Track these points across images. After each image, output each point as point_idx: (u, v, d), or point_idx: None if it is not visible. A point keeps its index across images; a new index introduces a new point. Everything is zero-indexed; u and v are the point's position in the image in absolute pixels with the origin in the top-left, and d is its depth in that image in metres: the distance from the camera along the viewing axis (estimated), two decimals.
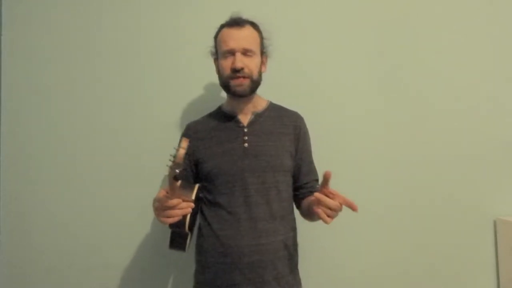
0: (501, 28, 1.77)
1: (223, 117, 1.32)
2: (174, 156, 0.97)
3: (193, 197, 1.11)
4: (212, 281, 1.20)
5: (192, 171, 1.31)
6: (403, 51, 1.73)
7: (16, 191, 1.60)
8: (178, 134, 1.37)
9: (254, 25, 1.28)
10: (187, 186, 1.18)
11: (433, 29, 1.75)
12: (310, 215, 1.26)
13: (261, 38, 1.29)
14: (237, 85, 1.22)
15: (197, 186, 1.17)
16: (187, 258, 1.55)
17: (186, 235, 1.16)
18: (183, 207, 1.02)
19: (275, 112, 1.35)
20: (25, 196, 1.60)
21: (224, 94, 1.35)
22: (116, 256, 1.60)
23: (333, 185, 1.63)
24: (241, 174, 1.22)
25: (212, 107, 1.42)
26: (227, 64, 1.22)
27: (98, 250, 1.60)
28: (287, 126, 1.32)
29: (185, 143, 0.98)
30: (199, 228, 1.29)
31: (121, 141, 1.63)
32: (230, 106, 1.32)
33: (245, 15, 1.31)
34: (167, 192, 1.03)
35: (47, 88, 1.63)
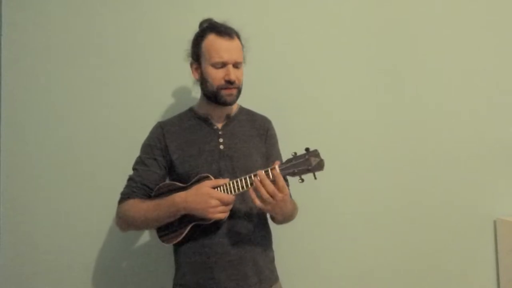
0: (500, 28, 1.77)
1: (196, 119, 1.33)
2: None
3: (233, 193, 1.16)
4: (193, 281, 1.21)
5: (165, 171, 1.29)
6: (401, 52, 1.73)
7: (16, 191, 1.60)
8: None
9: (238, 35, 1.29)
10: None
11: (432, 30, 1.75)
12: (276, 219, 1.30)
13: (243, 47, 1.30)
14: (228, 95, 1.25)
15: (277, 165, 1.16)
16: None
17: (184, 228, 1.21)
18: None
19: (246, 115, 1.39)
20: (25, 196, 1.60)
21: (193, 95, 1.34)
22: (116, 256, 1.61)
23: (333, 186, 1.64)
24: (218, 175, 1.23)
25: (181, 109, 1.41)
26: (219, 74, 1.24)
27: (98, 250, 1.60)
28: (257, 129, 1.36)
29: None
30: None
31: (122, 141, 1.63)
32: (205, 109, 1.33)
33: (234, 16, 1.30)
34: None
35: (47, 88, 1.63)
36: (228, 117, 1.33)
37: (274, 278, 1.30)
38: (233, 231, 1.22)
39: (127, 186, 1.29)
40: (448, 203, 1.70)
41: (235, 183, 1.14)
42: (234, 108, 1.37)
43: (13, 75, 1.63)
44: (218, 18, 1.30)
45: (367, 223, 1.67)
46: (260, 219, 1.30)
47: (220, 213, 1.13)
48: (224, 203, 1.13)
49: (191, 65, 1.32)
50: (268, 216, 1.33)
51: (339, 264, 1.66)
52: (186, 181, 1.23)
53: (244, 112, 1.39)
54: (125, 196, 1.27)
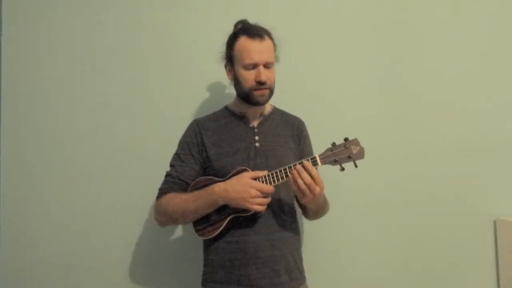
0: (501, 28, 1.77)
1: (232, 117, 1.36)
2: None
3: (319, 163, 1.16)
4: (225, 279, 1.22)
5: (201, 167, 1.30)
6: (403, 52, 1.73)
7: (16, 191, 1.60)
8: (178, 133, 1.36)
9: (270, 34, 1.31)
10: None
11: (433, 30, 1.75)
12: (307, 211, 1.37)
13: (275, 46, 1.32)
14: (260, 95, 1.28)
15: (318, 156, 1.19)
16: (190, 257, 1.55)
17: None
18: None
19: (280, 115, 1.42)
20: (25, 196, 1.60)
21: (228, 94, 1.36)
22: (116, 256, 1.60)
23: (333, 186, 1.64)
24: None
25: (215, 107, 1.42)
26: (250, 76, 1.26)
27: (98, 250, 1.60)
28: (291, 129, 1.39)
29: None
30: None
31: (122, 141, 1.63)
32: (239, 108, 1.36)
33: (244, 16, 1.31)
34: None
35: (47, 88, 1.63)
36: (262, 116, 1.37)
37: (303, 278, 1.32)
38: (266, 229, 1.23)
39: (165, 182, 1.31)
40: (448, 203, 1.70)
41: (274, 174, 1.16)
42: (268, 108, 1.40)
43: (13, 75, 1.63)
44: (249, 18, 1.32)
45: (366, 223, 1.67)
46: (292, 218, 1.32)
47: (258, 205, 1.14)
48: (264, 194, 1.14)
49: (225, 66, 1.35)
50: (300, 212, 1.38)
51: (339, 262, 1.66)
52: (221, 177, 1.24)
53: (277, 112, 1.43)
54: (164, 191, 1.29)
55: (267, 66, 1.27)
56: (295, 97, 1.66)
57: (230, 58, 1.32)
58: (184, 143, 1.33)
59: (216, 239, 1.24)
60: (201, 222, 1.23)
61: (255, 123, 1.34)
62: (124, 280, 1.60)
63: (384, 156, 1.70)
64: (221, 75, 1.41)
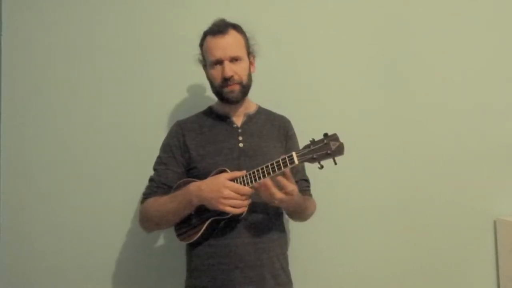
0: (501, 28, 1.77)
1: (216, 117, 1.34)
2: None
3: (296, 161, 1.07)
4: (209, 284, 1.19)
5: (184, 169, 1.29)
6: (402, 52, 1.73)
7: (16, 191, 1.60)
8: None
9: (236, 27, 1.28)
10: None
11: (432, 30, 1.75)
12: (288, 213, 1.33)
13: (246, 39, 1.30)
14: (229, 92, 1.25)
15: (294, 154, 1.11)
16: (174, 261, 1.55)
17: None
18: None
19: (265, 115, 1.39)
20: (25, 196, 1.60)
21: (212, 96, 1.35)
22: (116, 256, 1.61)
23: (334, 186, 1.64)
24: None
25: (201, 107, 1.41)
26: (216, 73, 1.25)
27: (98, 250, 1.60)
28: (276, 128, 1.36)
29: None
30: None
31: (121, 141, 1.63)
32: (222, 108, 1.34)
33: (242, 15, 1.31)
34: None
35: (47, 88, 1.63)
36: (247, 115, 1.34)
37: (290, 282, 1.30)
38: (250, 232, 1.20)
39: (147, 187, 1.30)
40: (448, 203, 1.70)
41: (252, 174, 1.11)
42: (253, 107, 1.38)
43: (13, 75, 1.63)
44: (247, 17, 1.31)
45: (365, 223, 1.67)
46: (278, 220, 1.29)
47: (230, 206, 1.08)
48: (240, 194, 1.09)
49: (203, 69, 1.35)
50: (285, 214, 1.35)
51: (337, 264, 1.65)
52: (205, 179, 1.21)
53: (263, 111, 1.40)
54: (146, 196, 1.28)
55: (233, 60, 1.24)
56: (295, 97, 1.66)
57: (204, 61, 1.32)
58: (167, 146, 1.31)
59: (199, 243, 1.21)
60: (183, 226, 1.22)
61: (239, 123, 1.32)
62: (124, 280, 1.60)
63: (384, 156, 1.69)
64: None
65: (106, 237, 1.61)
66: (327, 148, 1.05)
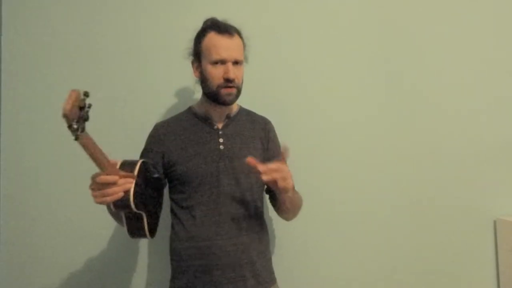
0: (501, 28, 1.77)
1: (196, 118, 1.32)
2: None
3: (135, 172, 0.99)
4: (190, 284, 1.20)
5: (164, 171, 1.28)
6: (403, 52, 1.73)
7: (16, 191, 1.60)
8: None
9: (239, 33, 1.28)
10: (129, 164, 1.08)
11: (433, 30, 1.75)
12: (284, 209, 1.30)
13: (244, 45, 1.29)
14: (227, 94, 1.23)
15: (140, 161, 1.04)
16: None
17: (139, 215, 1.06)
18: (122, 183, 0.97)
19: (246, 116, 1.38)
20: (25, 196, 1.60)
21: (193, 96, 1.34)
22: (116, 255, 1.60)
23: (334, 186, 1.64)
24: (217, 176, 1.23)
25: (180, 108, 1.40)
26: (218, 72, 1.22)
27: (98, 250, 1.60)
28: (257, 130, 1.35)
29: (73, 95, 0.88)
30: (173, 231, 1.28)
31: (121, 141, 1.63)
32: (204, 109, 1.32)
33: (236, 16, 1.30)
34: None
35: (47, 88, 1.63)
36: (228, 117, 1.33)
37: (272, 279, 1.30)
38: (230, 232, 1.21)
39: None
40: (448, 203, 1.70)
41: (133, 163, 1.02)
42: (234, 108, 1.36)
43: (13, 75, 1.63)
44: (220, 16, 1.30)
45: (365, 223, 1.67)
46: (258, 219, 1.29)
47: (100, 198, 0.99)
48: (98, 185, 0.98)
49: (192, 63, 1.31)
50: (268, 213, 1.34)
51: (337, 264, 1.66)
52: (186, 182, 1.22)
53: (244, 112, 1.39)
54: None
55: (235, 64, 1.23)
56: (295, 98, 1.66)
57: (198, 55, 1.27)
58: (145, 151, 1.31)
59: (180, 244, 1.22)
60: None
61: (220, 125, 1.30)
62: (124, 280, 1.60)
63: (384, 156, 1.70)
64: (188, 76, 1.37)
65: (106, 237, 1.60)
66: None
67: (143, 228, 1.09)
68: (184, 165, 1.24)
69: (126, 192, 0.99)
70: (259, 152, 1.31)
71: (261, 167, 1.07)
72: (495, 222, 1.70)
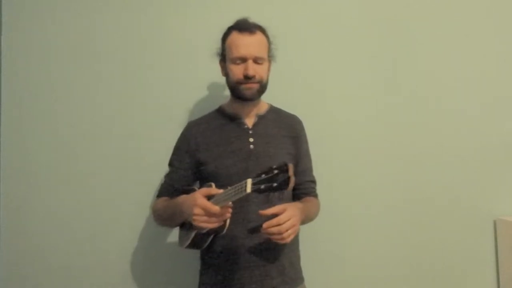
0: (501, 28, 1.77)
1: (226, 118, 1.33)
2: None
3: (249, 190, 1.00)
4: (220, 281, 1.22)
5: (193, 171, 1.31)
6: (404, 52, 1.73)
7: (16, 191, 1.60)
8: (177, 133, 1.37)
9: (263, 30, 1.29)
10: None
11: (433, 31, 1.75)
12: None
13: (269, 43, 1.30)
14: (246, 89, 1.25)
15: (249, 181, 1.02)
16: (188, 257, 1.55)
17: (221, 232, 1.16)
18: (225, 212, 1.06)
19: (276, 115, 1.38)
20: (25, 195, 1.60)
21: (224, 94, 1.35)
22: (116, 255, 1.60)
23: (334, 186, 1.64)
24: (246, 175, 1.21)
25: (212, 107, 1.42)
26: (238, 70, 1.24)
27: (98, 250, 1.60)
28: (287, 129, 1.35)
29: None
30: None
31: (121, 141, 1.63)
32: (233, 107, 1.33)
33: (249, 17, 1.30)
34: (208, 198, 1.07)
35: (47, 88, 1.63)
36: (258, 116, 1.33)
37: (299, 279, 1.31)
38: (257, 233, 1.20)
39: (161, 185, 1.36)
40: (448, 203, 1.70)
41: (226, 193, 1.05)
42: (264, 107, 1.37)
43: (13, 75, 1.63)
44: (249, 17, 1.30)
45: (365, 223, 1.67)
46: None
47: (205, 223, 1.05)
48: (208, 213, 1.04)
49: (220, 63, 1.34)
50: None
51: (338, 263, 1.66)
52: (215, 180, 1.23)
53: (274, 111, 1.39)
54: (158, 194, 1.34)
55: (257, 61, 1.24)
56: (294, 97, 1.66)
57: (223, 54, 1.30)
58: (176, 149, 1.35)
59: (211, 242, 1.23)
60: (182, 230, 1.27)
61: (249, 124, 1.31)
62: (124, 280, 1.60)
63: (384, 156, 1.70)
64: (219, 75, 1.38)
65: (106, 236, 1.60)
66: (274, 180, 0.97)
67: (206, 241, 1.20)
68: (214, 164, 1.26)
69: (225, 220, 1.10)
70: (288, 151, 1.32)
71: (265, 224, 1.09)
72: (495, 222, 1.70)
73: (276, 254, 1.23)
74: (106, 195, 1.62)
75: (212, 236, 1.19)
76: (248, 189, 0.98)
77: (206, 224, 1.06)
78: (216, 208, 1.04)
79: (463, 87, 1.74)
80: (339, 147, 1.68)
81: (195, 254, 1.35)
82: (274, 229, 1.08)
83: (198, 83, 1.65)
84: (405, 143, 1.71)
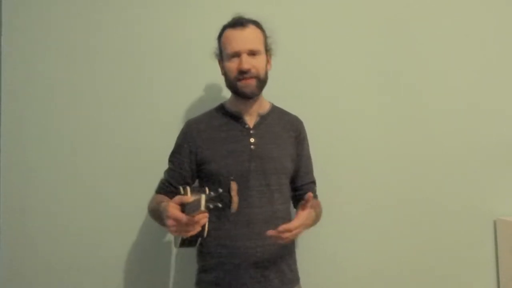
0: (501, 28, 1.77)
1: (228, 117, 1.31)
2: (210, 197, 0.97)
3: (202, 208, 0.99)
4: (218, 282, 1.22)
5: (191, 170, 1.30)
6: (403, 51, 1.73)
7: (16, 191, 1.60)
8: (177, 133, 1.36)
9: (256, 24, 1.27)
10: (194, 191, 1.15)
11: (433, 30, 1.75)
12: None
13: (265, 36, 1.29)
14: (244, 86, 1.23)
15: (203, 197, 1.03)
16: (187, 257, 1.55)
17: (203, 237, 1.14)
18: (200, 218, 1.00)
19: (278, 115, 1.37)
20: (25, 195, 1.60)
21: (224, 94, 1.35)
22: (116, 255, 1.60)
23: (334, 186, 1.64)
24: (246, 176, 1.22)
25: (211, 107, 1.41)
26: (233, 66, 1.23)
27: (98, 250, 1.60)
28: (289, 130, 1.34)
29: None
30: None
31: (121, 141, 1.63)
32: (235, 106, 1.31)
33: (246, 15, 1.30)
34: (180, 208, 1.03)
35: (47, 88, 1.63)
36: (260, 115, 1.32)
37: (296, 279, 1.31)
38: (258, 234, 1.20)
39: (160, 181, 1.34)
40: (448, 203, 1.70)
41: (192, 204, 1.02)
42: (266, 107, 1.35)
43: (13, 75, 1.63)
44: (252, 17, 1.30)
45: (365, 222, 1.67)
46: (285, 220, 1.27)
47: (180, 232, 1.02)
48: (179, 224, 1.00)
49: (219, 63, 1.33)
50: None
51: (338, 263, 1.66)
52: (216, 180, 1.22)
53: (276, 111, 1.38)
54: (156, 191, 1.33)
55: (251, 54, 1.22)
56: (295, 97, 1.66)
57: (220, 53, 1.30)
58: (176, 146, 1.33)
59: (209, 242, 1.23)
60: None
61: (251, 124, 1.29)
62: (124, 280, 1.60)
63: (384, 156, 1.70)
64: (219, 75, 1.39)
65: (106, 237, 1.60)
66: (219, 200, 0.98)
67: (196, 241, 1.18)
68: (215, 163, 1.24)
69: (202, 226, 1.06)
70: (289, 152, 1.31)
71: (270, 232, 1.08)
72: (495, 222, 1.70)
73: (275, 256, 1.23)
74: (106, 195, 1.62)
75: (200, 238, 1.16)
76: (202, 207, 0.96)
77: (182, 233, 1.02)
78: (186, 219, 0.98)
79: (464, 86, 1.74)
80: (339, 147, 1.68)
81: (195, 254, 1.35)
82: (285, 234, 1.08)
83: (198, 83, 1.65)
84: (405, 143, 1.71)
